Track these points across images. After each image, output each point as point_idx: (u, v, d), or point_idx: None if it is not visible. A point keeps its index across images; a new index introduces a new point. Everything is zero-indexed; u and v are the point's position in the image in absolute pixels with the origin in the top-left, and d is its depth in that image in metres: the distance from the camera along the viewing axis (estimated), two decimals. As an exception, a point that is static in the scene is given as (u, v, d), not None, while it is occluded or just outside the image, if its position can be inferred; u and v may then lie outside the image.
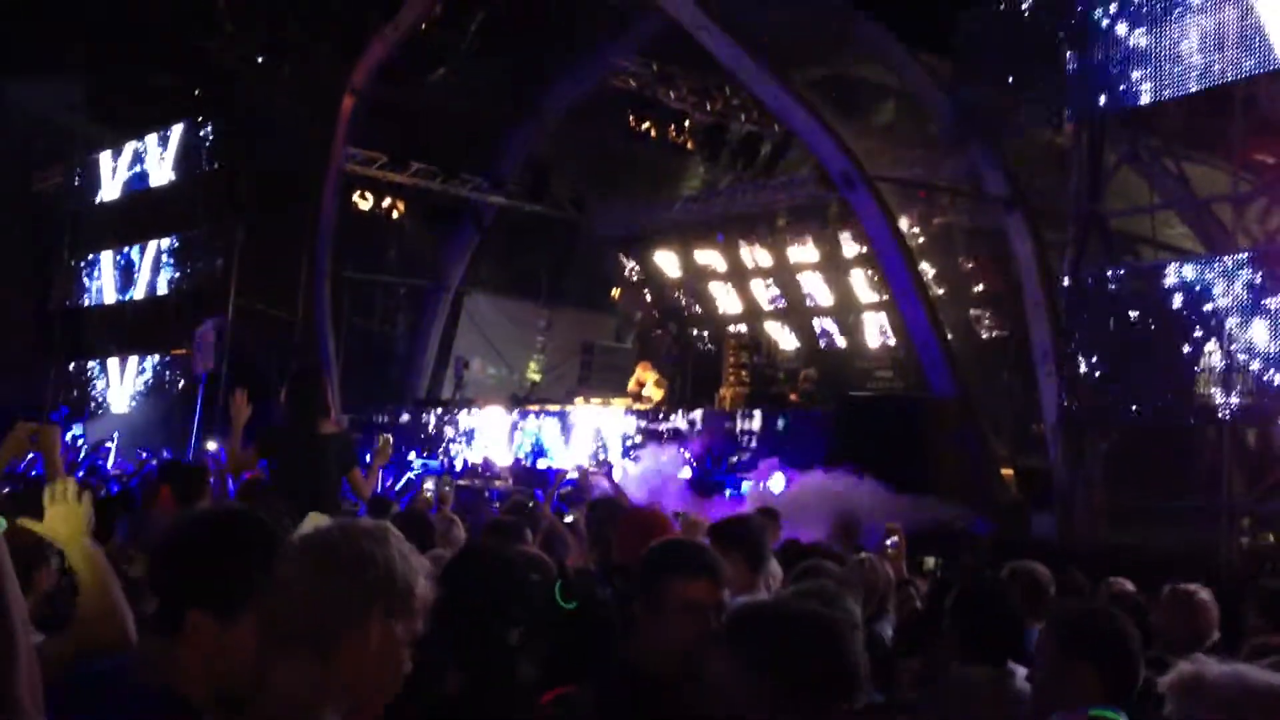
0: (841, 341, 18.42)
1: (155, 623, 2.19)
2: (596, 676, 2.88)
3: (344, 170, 18.13)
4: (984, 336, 16.24)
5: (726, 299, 19.89)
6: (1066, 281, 11.92)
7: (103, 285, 24.67)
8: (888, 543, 7.32)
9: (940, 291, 15.54)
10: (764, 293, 19.30)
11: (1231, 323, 10.50)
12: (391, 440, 6.88)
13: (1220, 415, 10.69)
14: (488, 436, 16.90)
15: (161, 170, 23.27)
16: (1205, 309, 10.72)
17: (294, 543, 1.86)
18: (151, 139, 23.40)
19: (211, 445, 14.22)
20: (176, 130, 22.84)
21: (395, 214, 19.56)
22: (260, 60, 18.03)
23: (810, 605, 2.50)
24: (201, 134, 22.36)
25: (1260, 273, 10.35)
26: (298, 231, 18.52)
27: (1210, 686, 1.99)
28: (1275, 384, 10.22)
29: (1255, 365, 10.42)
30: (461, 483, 13.68)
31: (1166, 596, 4.79)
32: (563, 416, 16.20)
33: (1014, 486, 13.15)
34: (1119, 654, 2.93)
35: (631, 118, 17.30)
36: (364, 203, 19.10)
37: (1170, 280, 11.07)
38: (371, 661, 1.79)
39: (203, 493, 6.31)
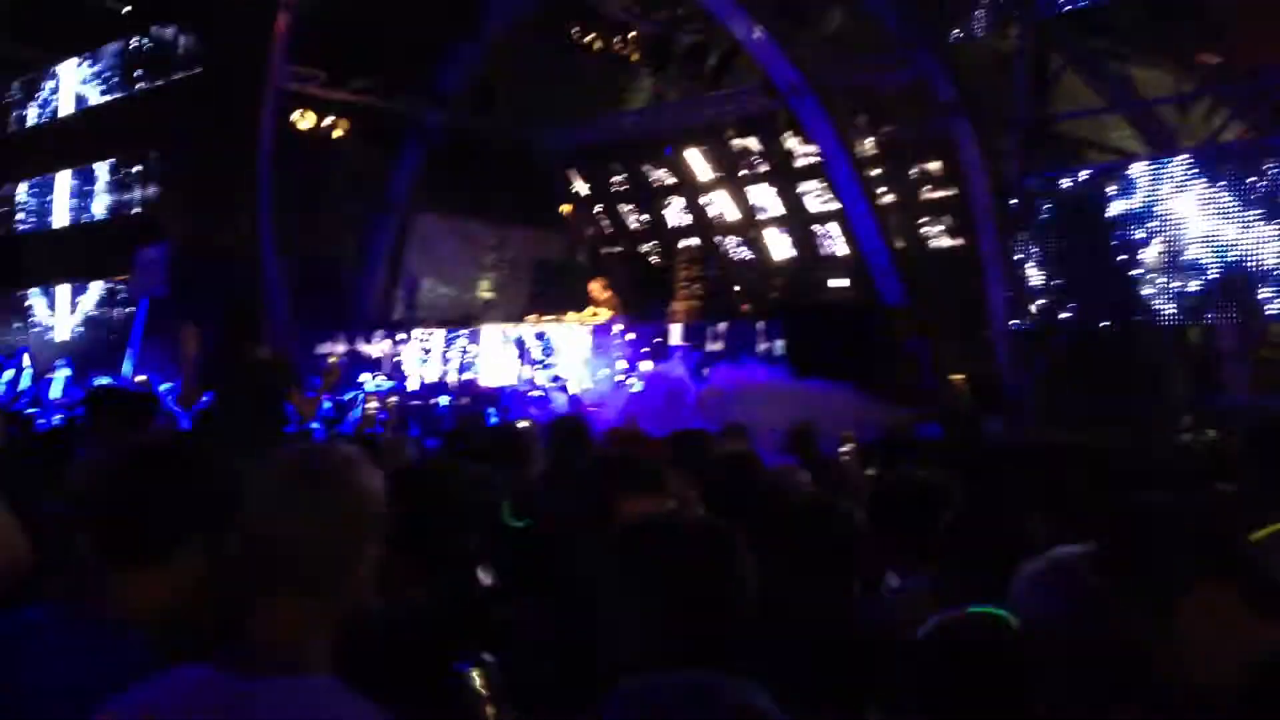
0: (793, 252, 18.43)
1: (125, 554, 2.03)
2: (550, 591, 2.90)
3: (282, 89, 17.70)
4: (933, 245, 16.30)
5: (677, 212, 19.79)
6: (1012, 187, 11.96)
7: (39, 212, 24.09)
8: (841, 450, 7.41)
9: (891, 200, 15.55)
10: (715, 205, 19.22)
11: (1174, 223, 10.62)
12: (339, 365, 6.85)
13: (1161, 316, 10.86)
14: (440, 356, 16.83)
15: (93, 92, 22.60)
16: (1150, 210, 10.81)
17: (276, 476, 1.79)
18: (81, 60, 22.68)
19: (140, 378, 13.98)
20: (108, 50, 22.13)
21: (337, 133, 19.17)
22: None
23: (700, 515, 2.43)
24: (133, 52, 21.67)
25: (1202, 171, 10.44)
26: (237, 154, 18.10)
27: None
28: (1208, 284, 10.38)
29: (1200, 266, 10.57)
30: (415, 403, 13.64)
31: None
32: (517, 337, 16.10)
33: (966, 394, 13.32)
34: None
35: (575, 30, 16.97)
36: (304, 122, 18.68)
37: (1114, 183, 11.14)
38: (363, 592, 1.81)
39: (147, 420, 6.24)
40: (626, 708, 1.86)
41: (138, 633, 1.97)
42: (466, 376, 15.99)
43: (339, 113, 18.74)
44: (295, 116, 18.50)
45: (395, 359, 17.43)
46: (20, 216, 24.62)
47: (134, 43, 21.60)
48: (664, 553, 2.00)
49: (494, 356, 16.02)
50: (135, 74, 21.63)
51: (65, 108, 23.46)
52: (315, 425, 7.36)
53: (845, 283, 16.66)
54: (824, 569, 2.93)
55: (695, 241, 19.09)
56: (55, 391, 17.13)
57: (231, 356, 5.97)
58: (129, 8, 20.82)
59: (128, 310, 20.50)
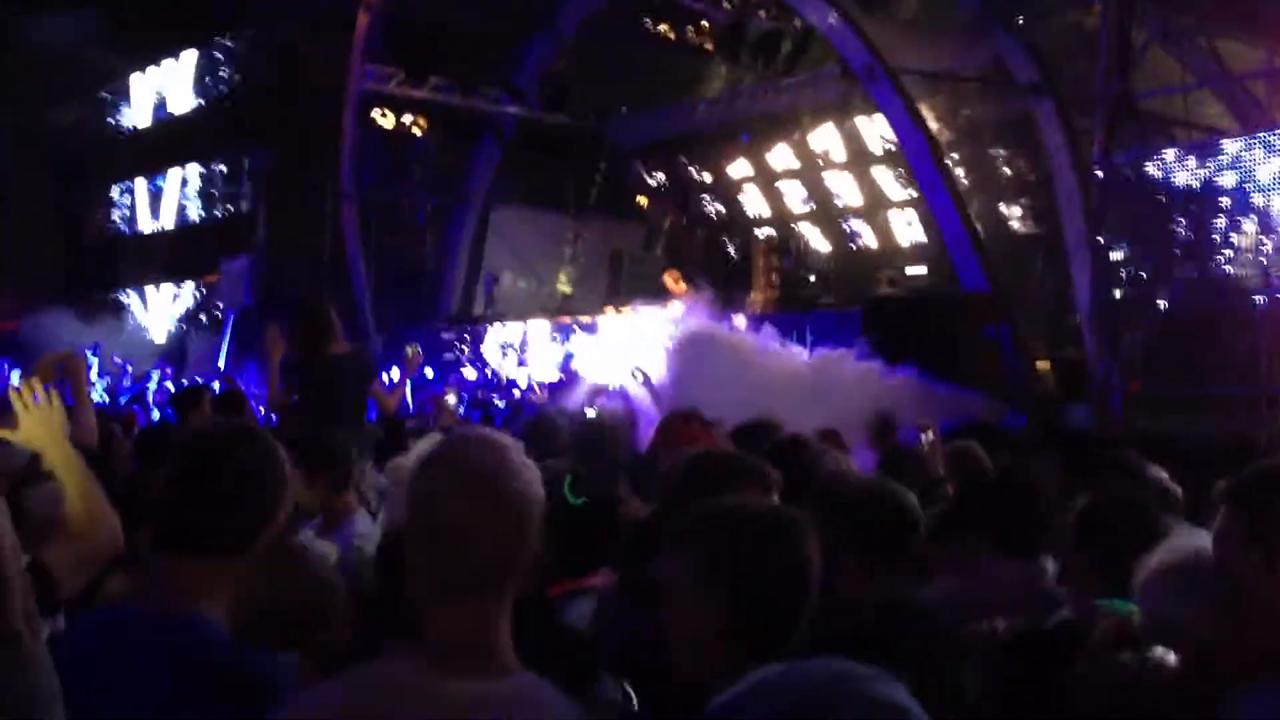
0: (873, 241, 18.20)
1: (224, 543, 2.07)
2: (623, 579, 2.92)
3: (363, 89, 17.99)
4: (1016, 229, 15.98)
5: (754, 202, 19.67)
6: (1098, 168, 11.66)
7: (134, 215, 24.80)
8: (923, 438, 7.30)
9: (969, 184, 15.28)
10: (792, 194, 19.06)
11: (1269, 201, 10.27)
12: (420, 351, 6.94)
13: (1256, 299, 10.51)
14: (523, 351, 16.99)
15: (181, 98, 23.18)
16: (1242, 189, 10.47)
17: (452, 480, 1.71)
18: (169, 65, 23.26)
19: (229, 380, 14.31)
20: (189, 56, 22.68)
21: (417, 131, 19.45)
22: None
23: (763, 503, 2.38)
24: (216, 58, 22.20)
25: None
26: (321, 155, 18.46)
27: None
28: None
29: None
30: (495, 397, 13.78)
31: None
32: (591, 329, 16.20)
33: (1050, 380, 13.05)
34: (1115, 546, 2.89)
35: (648, 20, 16.96)
36: (385, 121, 19.00)
37: (1205, 162, 10.81)
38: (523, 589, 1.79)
39: (243, 413, 6.42)
40: (766, 698, 1.78)
41: (218, 625, 2.03)
42: (546, 371, 16.12)
43: (417, 110, 19.02)
44: (376, 115, 18.83)
45: (477, 352, 17.63)
46: (114, 220, 25.40)
47: (217, 48, 22.12)
48: (749, 542, 1.95)
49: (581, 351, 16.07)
50: (219, 79, 22.16)
51: (154, 114, 24.10)
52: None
53: (923, 270, 16.41)
54: (876, 556, 2.89)
55: (771, 232, 18.96)
56: (153, 391, 17.65)
57: (312, 354, 6.07)
58: (213, 13, 21.31)
59: (220, 312, 21.06)
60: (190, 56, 22.71)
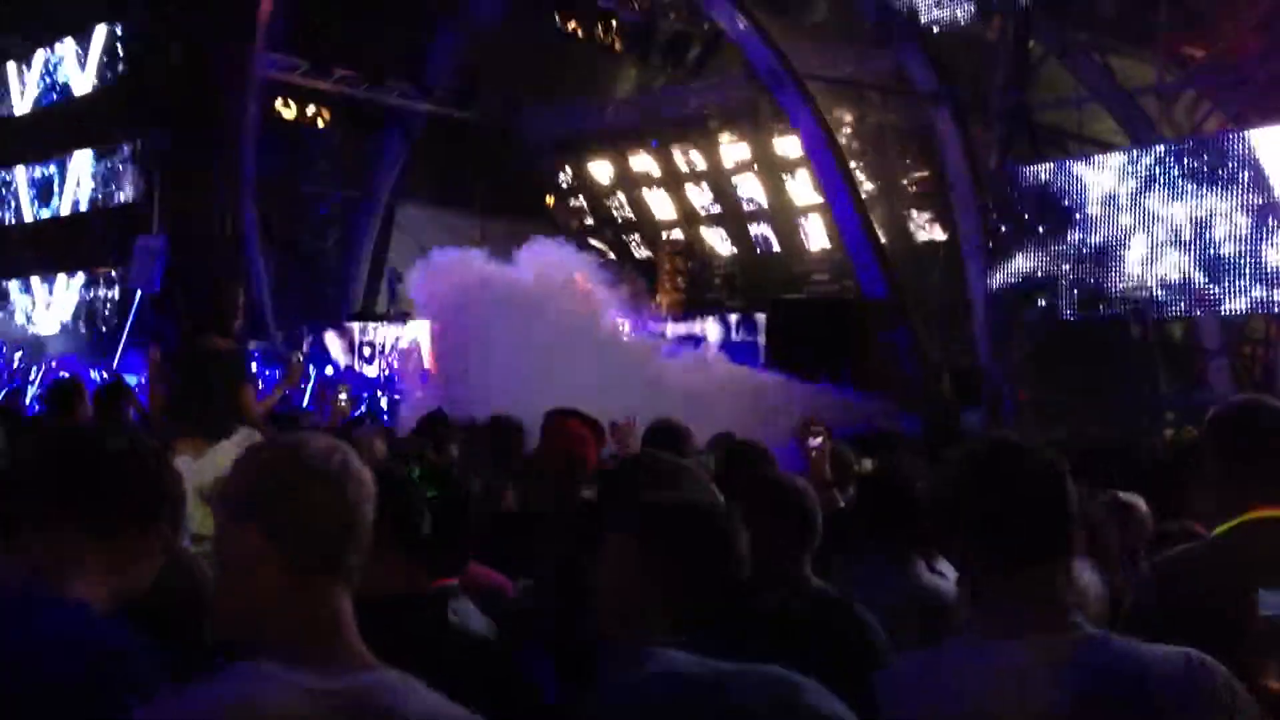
0: (777, 246, 18.34)
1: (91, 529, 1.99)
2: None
3: (265, 77, 17.56)
4: (918, 236, 16.23)
5: (661, 204, 19.69)
6: (994, 177, 11.90)
7: (19, 203, 23.86)
8: (811, 444, 7.31)
9: (874, 191, 15.48)
10: (699, 197, 19.12)
11: (1156, 216, 10.56)
12: (302, 362, 6.60)
13: (1144, 310, 10.81)
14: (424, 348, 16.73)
15: (81, 79, 22.34)
16: (1130, 202, 10.75)
17: (308, 464, 1.70)
18: (68, 45, 22.42)
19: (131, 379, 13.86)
20: (89, 36, 21.89)
21: (320, 123, 19.05)
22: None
23: (709, 498, 2.56)
24: (115, 39, 21.45)
25: (1181, 163, 10.38)
26: (220, 144, 17.97)
27: None
28: (1196, 279, 10.33)
29: (1178, 259, 10.51)
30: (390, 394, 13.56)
31: (1106, 502, 4.78)
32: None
33: (949, 385, 13.26)
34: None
35: (558, 17, 16.87)
36: (287, 111, 18.57)
37: (1096, 173, 11.08)
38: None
39: (116, 413, 6.14)
40: (681, 694, 1.81)
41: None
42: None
43: (322, 102, 18.64)
44: (278, 105, 18.40)
45: (375, 350, 17.33)
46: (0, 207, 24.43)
47: (116, 29, 21.38)
48: (681, 532, 2.11)
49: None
50: (116, 61, 21.43)
51: (44, 96, 23.24)
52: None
53: (826, 276, 16.59)
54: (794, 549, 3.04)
55: (678, 234, 18.99)
56: (36, 385, 17.01)
57: (190, 349, 5.84)
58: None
59: (115, 301, 20.38)
60: (90, 36, 21.91)
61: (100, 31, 21.65)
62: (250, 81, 17.50)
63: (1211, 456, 2.69)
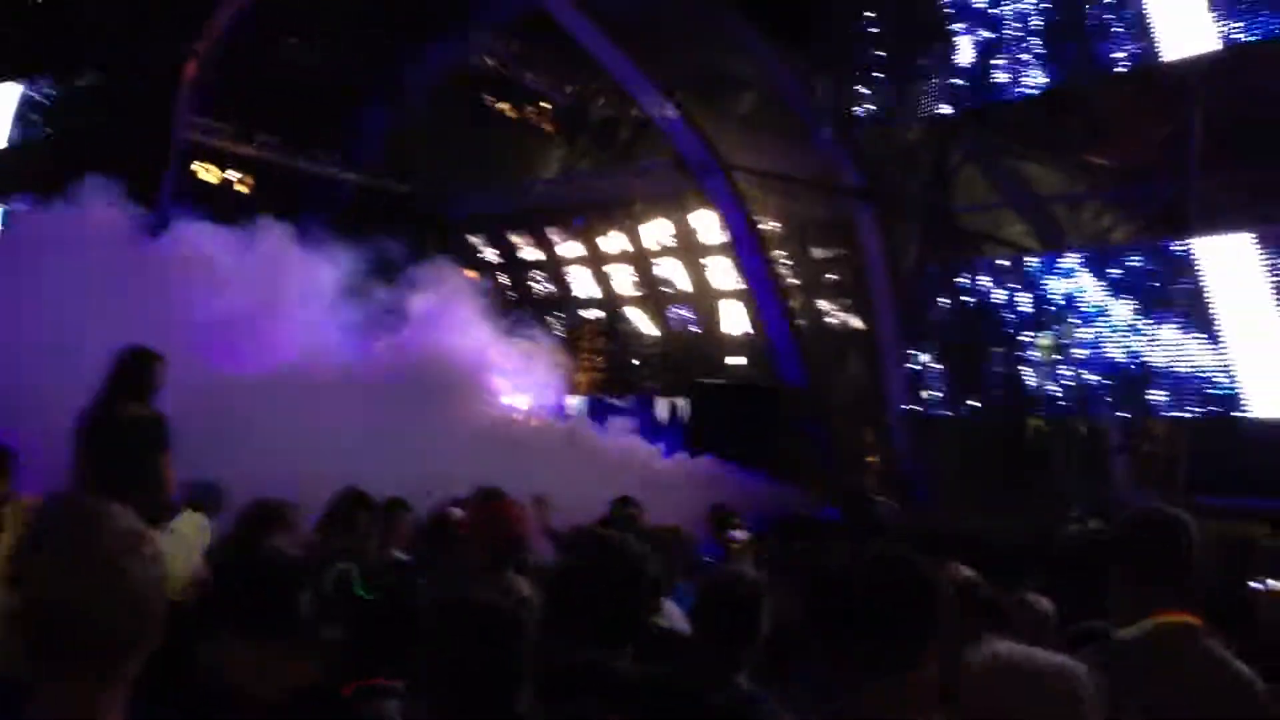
0: (700, 328, 18.50)
1: None
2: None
3: (187, 140, 17.36)
4: (836, 326, 16.50)
5: (583, 283, 19.78)
6: (912, 276, 12.23)
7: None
8: (734, 535, 7.35)
9: (795, 281, 15.75)
10: (622, 278, 19.25)
11: (1065, 319, 10.92)
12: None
13: (1051, 409, 11.12)
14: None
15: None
16: (1041, 306, 11.12)
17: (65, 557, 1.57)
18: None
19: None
20: (9, 90, 21.44)
21: (243, 189, 18.85)
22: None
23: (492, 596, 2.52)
24: (37, 95, 21.03)
25: (1091, 272, 10.78)
26: (140, 206, 17.63)
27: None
28: (1097, 379, 10.68)
29: (1082, 359, 10.87)
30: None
31: (1015, 605, 4.88)
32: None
33: (859, 474, 13.44)
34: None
35: (488, 98, 17.03)
36: (208, 176, 18.36)
37: (1009, 278, 11.45)
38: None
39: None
40: None
41: None
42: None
43: (244, 168, 18.47)
44: (199, 169, 18.18)
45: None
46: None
47: (39, 85, 20.98)
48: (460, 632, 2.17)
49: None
50: (39, 118, 21.00)
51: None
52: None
53: (743, 360, 16.75)
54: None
55: (599, 313, 19.07)
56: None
57: (106, 410, 5.66)
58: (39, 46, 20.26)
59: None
60: (11, 90, 21.45)
61: (15, 90, 21.24)
62: (172, 143, 17.28)
63: (1120, 564, 2.83)
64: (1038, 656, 1.94)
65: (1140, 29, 10.51)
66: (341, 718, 2.53)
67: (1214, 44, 10.19)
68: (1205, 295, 10.40)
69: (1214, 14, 10.15)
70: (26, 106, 21.24)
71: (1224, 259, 10.38)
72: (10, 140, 21.51)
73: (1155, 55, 10.53)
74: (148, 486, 5.39)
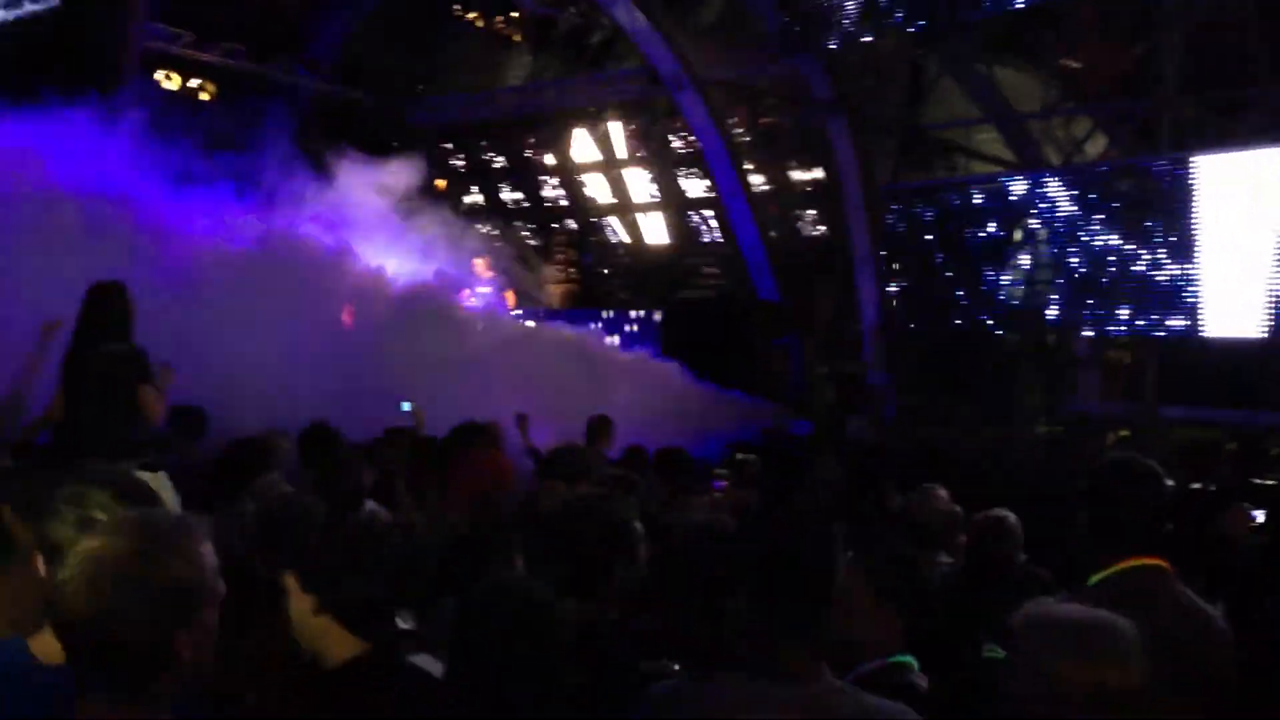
0: (668, 238, 18.40)
1: None
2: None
3: (147, 47, 16.88)
4: (808, 238, 16.46)
5: (555, 193, 19.57)
6: (885, 191, 12.19)
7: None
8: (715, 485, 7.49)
9: (766, 192, 15.66)
10: (594, 187, 19.06)
11: (1037, 234, 10.97)
12: (173, 371, 6.09)
13: (1019, 323, 11.23)
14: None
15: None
16: (1013, 221, 11.15)
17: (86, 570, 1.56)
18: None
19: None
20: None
21: (204, 95, 18.43)
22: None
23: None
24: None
25: (1066, 186, 10.80)
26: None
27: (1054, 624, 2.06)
28: (1074, 294, 10.77)
29: (1053, 275, 10.95)
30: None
31: (978, 521, 4.98)
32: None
33: (830, 389, 13.55)
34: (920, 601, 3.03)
35: (457, 5, 16.64)
36: (169, 83, 17.91)
37: (982, 192, 11.45)
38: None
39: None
40: None
41: None
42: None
43: (205, 75, 18.03)
44: (159, 76, 17.74)
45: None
46: None
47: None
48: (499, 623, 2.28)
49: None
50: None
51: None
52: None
53: (718, 271, 16.70)
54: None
55: (571, 224, 18.92)
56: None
57: (84, 347, 5.60)
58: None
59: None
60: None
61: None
62: (130, 49, 16.80)
63: (1092, 512, 2.92)
64: (1082, 613, 2.06)
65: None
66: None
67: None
68: (1179, 212, 10.45)
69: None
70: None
71: (1200, 177, 10.39)
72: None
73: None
74: (132, 419, 5.36)
